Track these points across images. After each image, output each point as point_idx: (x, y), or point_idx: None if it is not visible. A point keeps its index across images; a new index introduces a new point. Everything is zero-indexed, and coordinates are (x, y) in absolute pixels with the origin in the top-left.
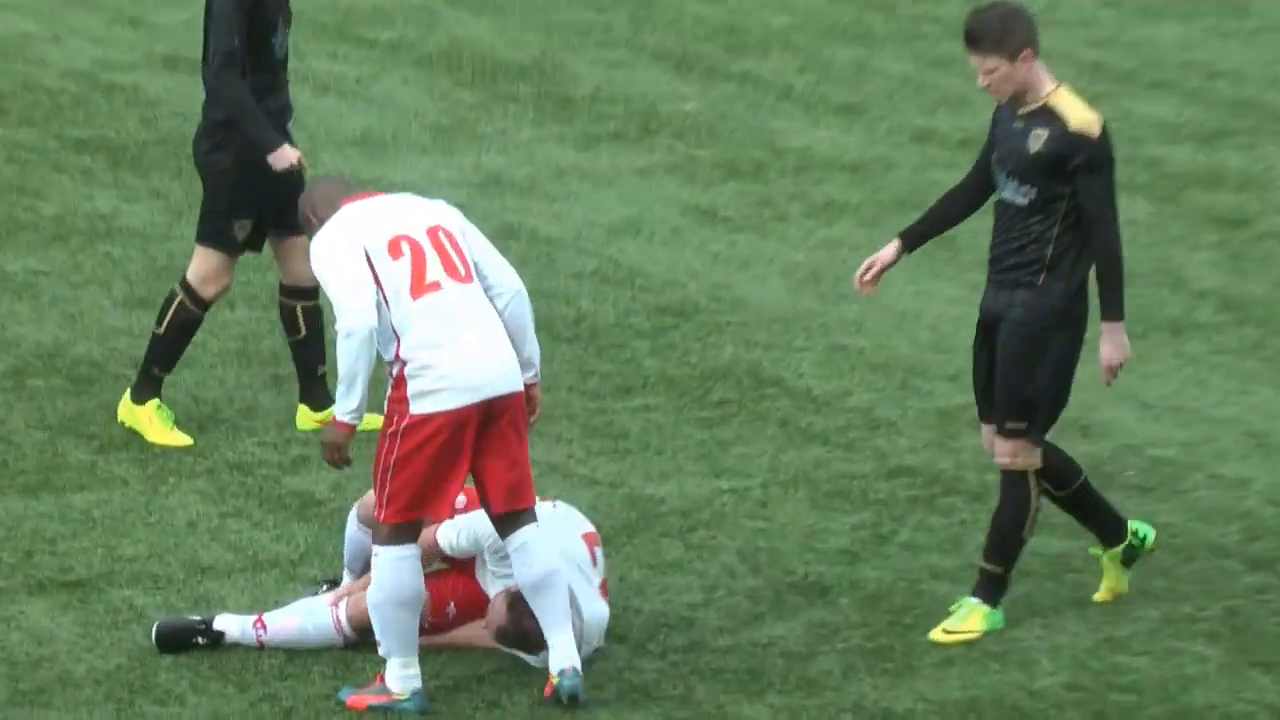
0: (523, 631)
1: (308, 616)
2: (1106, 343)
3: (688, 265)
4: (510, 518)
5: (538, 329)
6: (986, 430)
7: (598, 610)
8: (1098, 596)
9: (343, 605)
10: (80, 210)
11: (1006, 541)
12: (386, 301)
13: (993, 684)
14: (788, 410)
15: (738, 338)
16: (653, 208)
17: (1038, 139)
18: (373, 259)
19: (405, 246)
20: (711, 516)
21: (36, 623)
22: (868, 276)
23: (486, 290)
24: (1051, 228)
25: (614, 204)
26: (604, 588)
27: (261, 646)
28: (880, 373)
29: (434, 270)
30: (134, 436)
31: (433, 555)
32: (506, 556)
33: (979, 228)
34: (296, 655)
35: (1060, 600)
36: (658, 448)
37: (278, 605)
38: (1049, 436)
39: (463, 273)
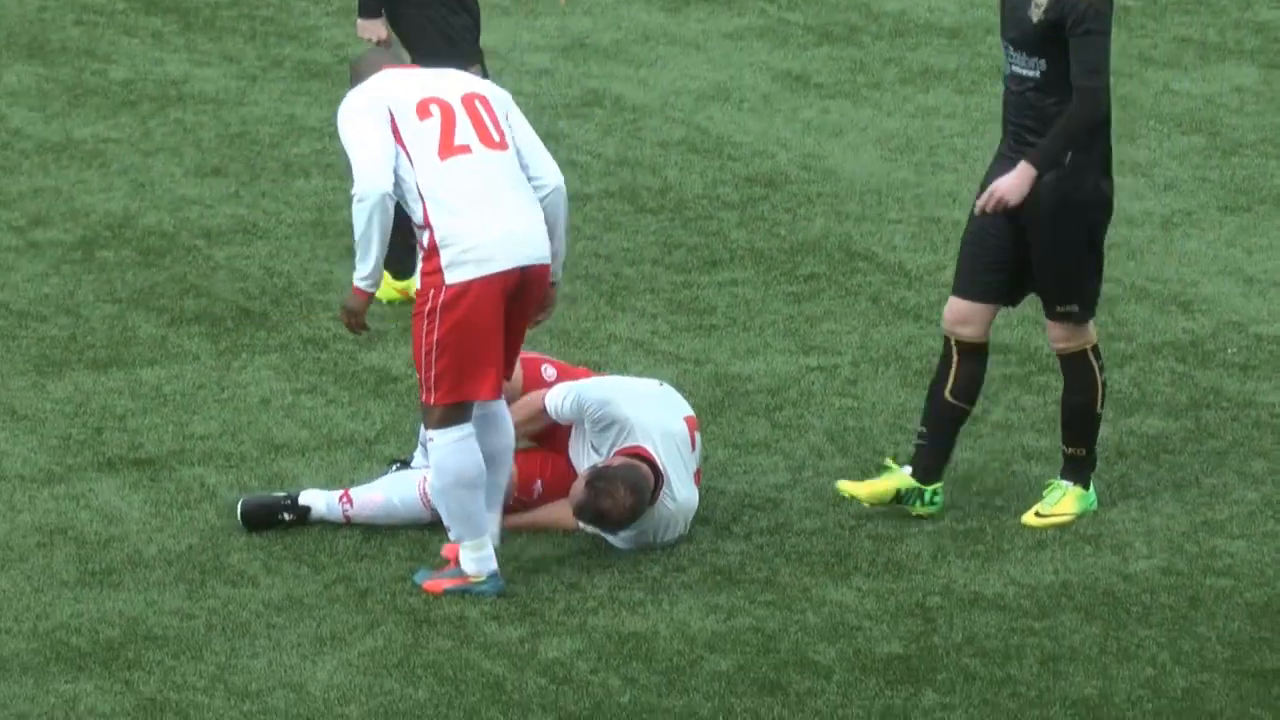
0: (600, 510)
1: (394, 490)
2: (1011, 177)
3: (778, 134)
4: None
5: (622, 199)
6: (961, 306)
7: (690, 496)
8: (841, 485)
9: (428, 483)
10: (150, 75)
11: (1081, 422)
12: (411, 162)
13: (1085, 568)
14: (879, 285)
15: (828, 209)
16: (742, 73)
17: (1038, 8)
18: (397, 118)
19: (435, 109)
20: (799, 395)
21: (106, 501)
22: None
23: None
24: (1066, 101)
25: (702, 69)
26: (698, 475)
27: (348, 521)
28: None
29: (464, 133)
30: (205, 310)
31: (534, 420)
32: (608, 427)
33: None
34: (372, 536)
35: (1156, 482)
36: (744, 323)
37: (355, 484)
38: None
39: (496, 139)
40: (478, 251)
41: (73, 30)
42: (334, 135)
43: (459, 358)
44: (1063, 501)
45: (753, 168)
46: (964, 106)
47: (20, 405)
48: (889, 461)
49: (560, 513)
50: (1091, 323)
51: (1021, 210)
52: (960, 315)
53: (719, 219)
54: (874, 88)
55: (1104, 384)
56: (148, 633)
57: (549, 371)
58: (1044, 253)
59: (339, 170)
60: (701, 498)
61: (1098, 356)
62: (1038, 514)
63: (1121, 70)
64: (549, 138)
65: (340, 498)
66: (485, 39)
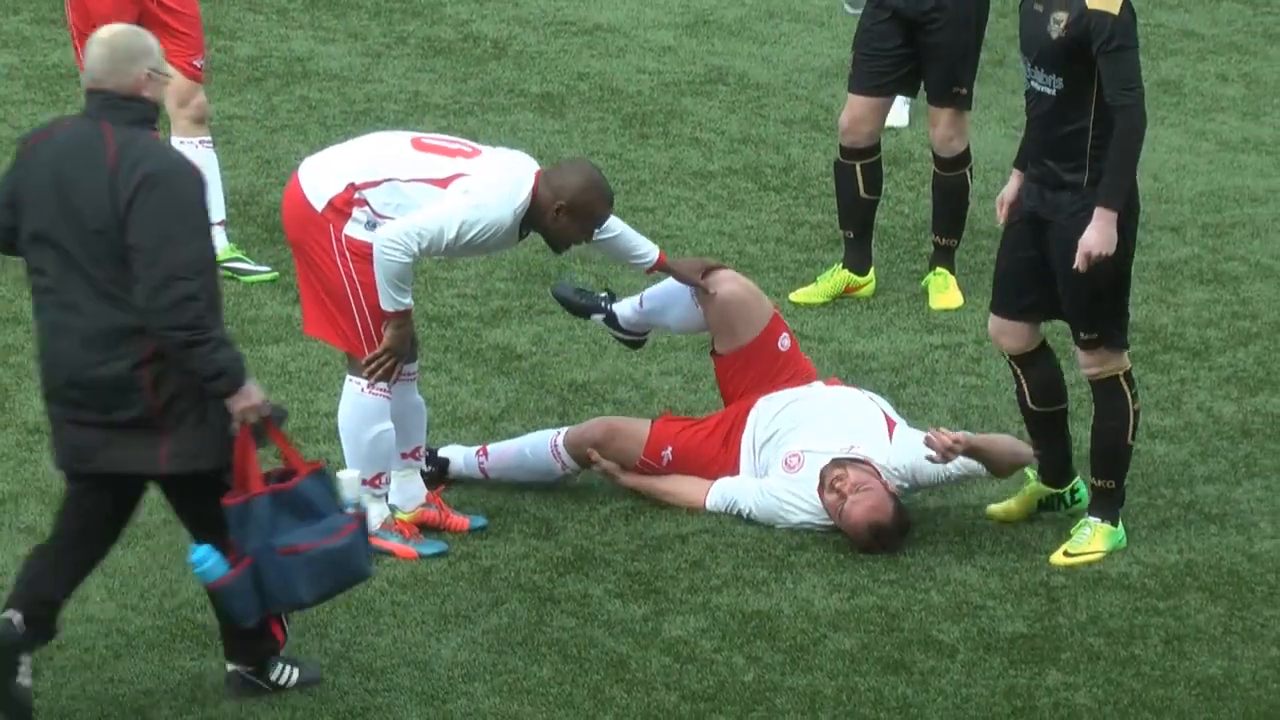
0: (887, 544)
1: (526, 441)
2: (1093, 229)
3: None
4: None
5: (746, 176)
6: (998, 321)
7: None
8: (991, 509)
9: (561, 435)
10: (275, 52)
11: (1111, 453)
12: None
13: (1210, 547)
14: None
15: None
16: None
17: (1057, 24)
18: None
19: None
20: (923, 373)
21: None
22: (1012, 219)
23: None
24: (1085, 117)
25: (826, 46)
26: None
27: (485, 476)
28: None
29: None
30: None
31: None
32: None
33: (1205, 70)
34: (496, 514)
35: None
36: (868, 301)
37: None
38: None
39: None
40: None
41: (199, 7)
42: (459, 112)
43: None
44: (1092, 539)
45: None
46: None
47: None
48: (1028, 472)
49: (685, 488)
50: (1124, 349)
51: (1045, 233)
52: (1000, 329)
53: None
54: (998, 65)
55: (1137, 414)
56: None
57: (664, 453)
58: (1064, 276)
59: None
60: None
61: (1130, 384)
62: (1066, 553)
63: (1246, 48)
64: (672, 115)
65: (478, 452)
66: (609, 15)
